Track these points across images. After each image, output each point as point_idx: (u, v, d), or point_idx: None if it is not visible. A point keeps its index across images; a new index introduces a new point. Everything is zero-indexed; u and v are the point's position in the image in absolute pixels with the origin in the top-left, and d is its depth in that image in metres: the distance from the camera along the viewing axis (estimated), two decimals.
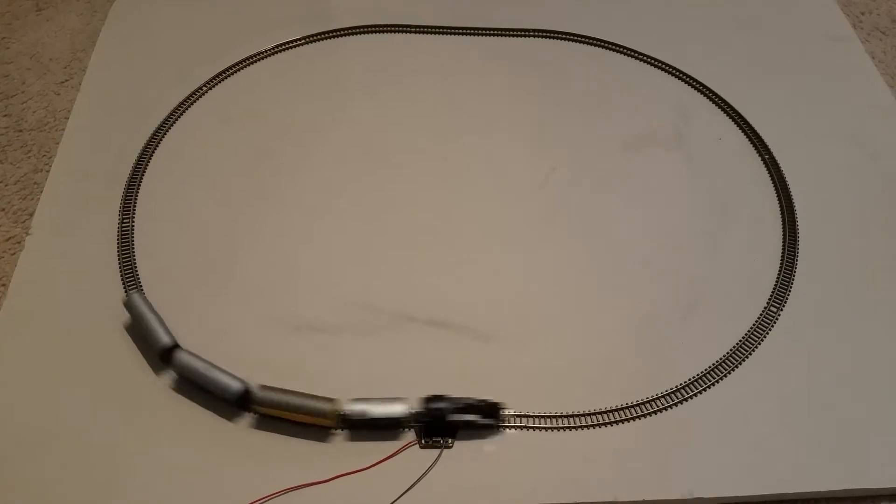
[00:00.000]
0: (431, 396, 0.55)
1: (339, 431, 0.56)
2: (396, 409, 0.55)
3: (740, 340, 0.61)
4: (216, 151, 0.73)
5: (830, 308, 0.63)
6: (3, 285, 0.63)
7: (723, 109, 0.77)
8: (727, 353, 0.60)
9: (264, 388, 0.55)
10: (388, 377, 0.58)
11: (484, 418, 0.55)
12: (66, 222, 0.67)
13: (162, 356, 0.57)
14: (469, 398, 0.56)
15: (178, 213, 0.68)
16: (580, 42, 0.83)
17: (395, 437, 0.55)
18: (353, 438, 0.55)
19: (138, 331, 0.59)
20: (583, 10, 0.87)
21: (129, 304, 0.60)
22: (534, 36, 0.84)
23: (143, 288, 0.63)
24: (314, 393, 0.55)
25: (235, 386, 0.55)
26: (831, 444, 0.55)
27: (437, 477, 0.53)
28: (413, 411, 0.55)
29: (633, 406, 0.57)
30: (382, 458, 0.53)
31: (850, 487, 0.53)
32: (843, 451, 0.55)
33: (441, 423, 0.55)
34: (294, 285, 0.64)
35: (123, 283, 0.63)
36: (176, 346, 0.57)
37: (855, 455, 0.55)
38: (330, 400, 0.55)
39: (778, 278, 0.65)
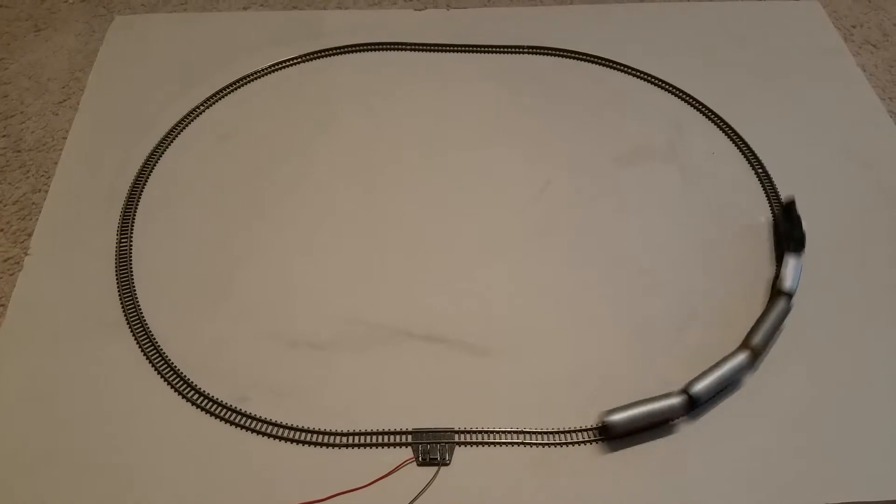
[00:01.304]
0: (785, 231, 0.65)
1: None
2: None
3: (735, 353, 0.61)
4: (213, 170, 0.73)
5: (826, 319, 0.63)
6: (2, 305, 0.63)
7: (715, 123, 0.78)
8: None
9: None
10: (385, 392, 0.59)
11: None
12: (65, 242, 0.67)
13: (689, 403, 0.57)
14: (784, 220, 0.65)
15: (175, 231, 0.69)
16: (574, 59, 0.84)
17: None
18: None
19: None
20: (576, 27, 0.87)
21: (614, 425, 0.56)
22: (527, 53, 0.84)
23: (140, 307, 0.63)
24: None
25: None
26: (829, 457, 0.56)
27: (435, 494, 0.53)
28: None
29: None
30: (380, 476, 0.54)
31: (850, 500, 0.54)
32: (841, 463, 0.55)
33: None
34: (291, 302, 0.64)
35: (121, 304, 0.63)
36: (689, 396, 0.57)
37: (854, 467, 0.55)
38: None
39: (772, 290, 0.65)
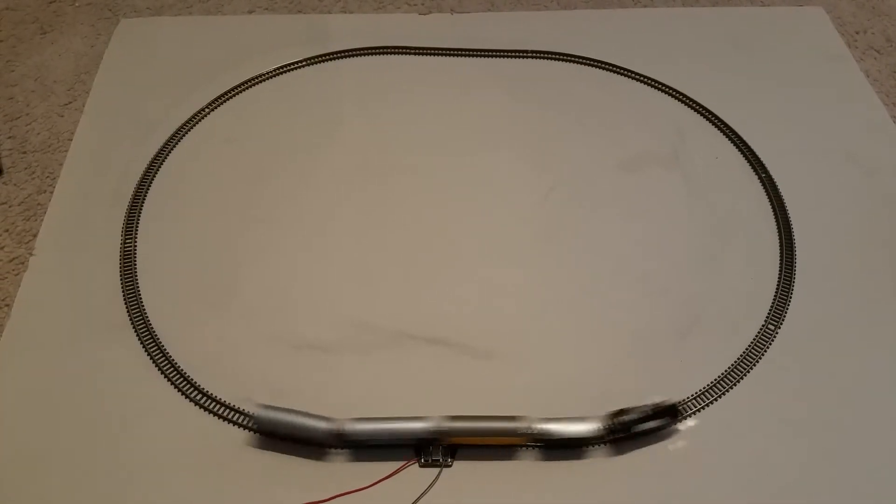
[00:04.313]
0: (616, 412, 0.55)
1: (526, 448, 0.56)
2: (582, 429, 0.55)
3: (738, 359, 0.61)
4: (218, 172, 0.74)
5: (828, 325, 0.63)
6: (7, 305, 0.63)
7: (719, 128, 0.78)
8: (725, 371, 0.60)
9: (451, 418, 0.55)
10: (388, 395, 0.59)
11: (669, 421, 0.56)
12: (70, 243, 0.68)
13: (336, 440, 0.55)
14: (647, 405, 0.55)
15: (180, 233, 0.69)
16: (578, 63, 0.84)
17: (579, 456, 0.56)
18: (541, 457, 0.56)
19: (286, 434, 0.55)
20: (580, 32, 0.87)
21: (263, 421, 0.55)
22: (532, 57, 0.85)
23: (145, 308, 0.63)
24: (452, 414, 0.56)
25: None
26: (829, 463, 0.56)
27: (437, 496, 0.53)
28: (600, 428, 0.55)
29: None
30: (382, 478, 0.54)
31: None
32: (840, 469, 0.55)
33: (627, 434, 0.55)
34: (294, 304, 0.64)
35: (126, 306, 0.63)
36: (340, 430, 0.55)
37: (853, 473, 0.55)
38: (518, 418, 0.55)
39: (775, 296, 0.65)
